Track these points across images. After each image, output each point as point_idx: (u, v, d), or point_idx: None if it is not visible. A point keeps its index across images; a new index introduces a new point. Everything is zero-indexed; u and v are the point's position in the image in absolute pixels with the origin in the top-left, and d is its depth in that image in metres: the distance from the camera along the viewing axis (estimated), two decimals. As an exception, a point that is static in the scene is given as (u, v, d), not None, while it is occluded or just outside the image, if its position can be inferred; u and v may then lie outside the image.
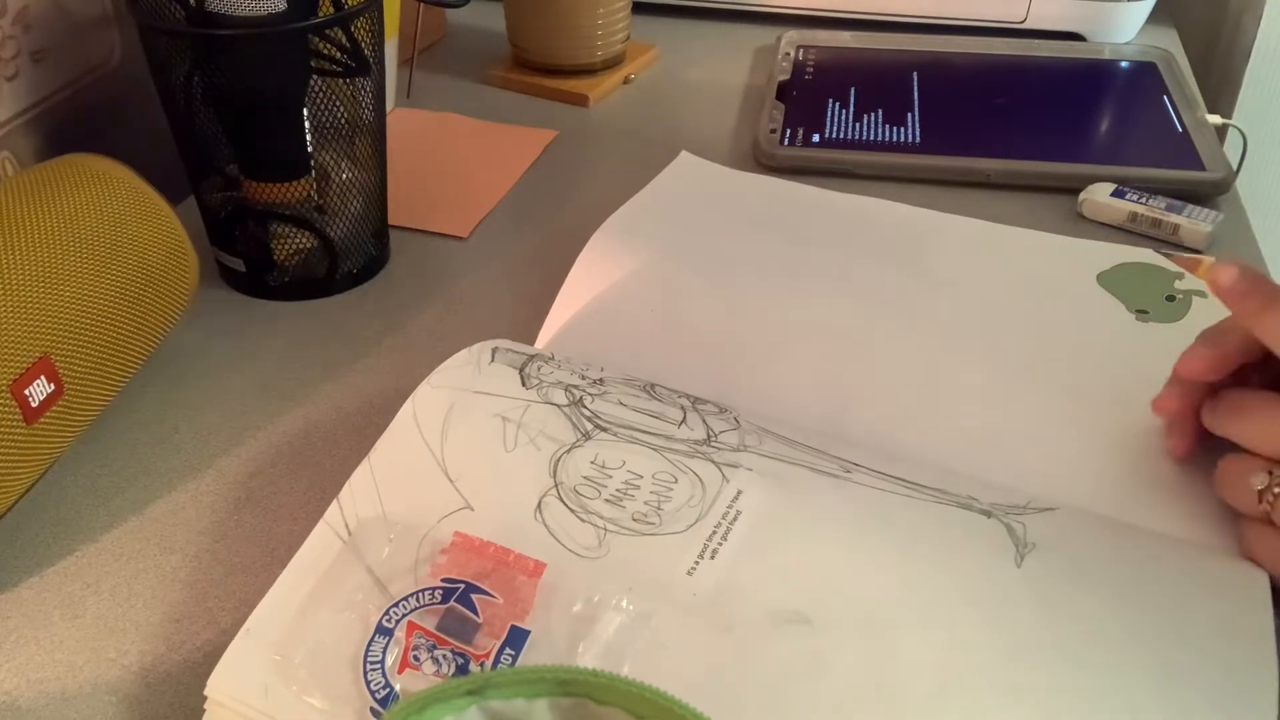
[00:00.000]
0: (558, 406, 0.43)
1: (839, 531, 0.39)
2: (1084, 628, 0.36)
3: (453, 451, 0.41)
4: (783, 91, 0.75)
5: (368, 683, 0.34)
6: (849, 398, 0.49)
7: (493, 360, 0.45)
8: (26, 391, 0.41)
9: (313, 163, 0.55)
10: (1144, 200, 0.62)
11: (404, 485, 0.40)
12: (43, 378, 0.42)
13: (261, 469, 0.47)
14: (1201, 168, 0.65)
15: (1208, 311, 0.54)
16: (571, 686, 0.29)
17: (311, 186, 0.55)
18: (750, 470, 0.41)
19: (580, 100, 0.77)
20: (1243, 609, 0.37)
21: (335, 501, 0.40)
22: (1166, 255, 0.51)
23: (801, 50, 0.82)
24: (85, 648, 0.40)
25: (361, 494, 0.40)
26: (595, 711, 0.29)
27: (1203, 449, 0.45)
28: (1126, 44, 0.83)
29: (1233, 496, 0.42)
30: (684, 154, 0.69)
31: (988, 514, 0.40)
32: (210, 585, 0.42)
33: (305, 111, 0.54)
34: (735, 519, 0.39)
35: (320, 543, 0.38)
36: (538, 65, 0.79)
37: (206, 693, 0.34)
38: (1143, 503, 0.44)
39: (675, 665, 0.34)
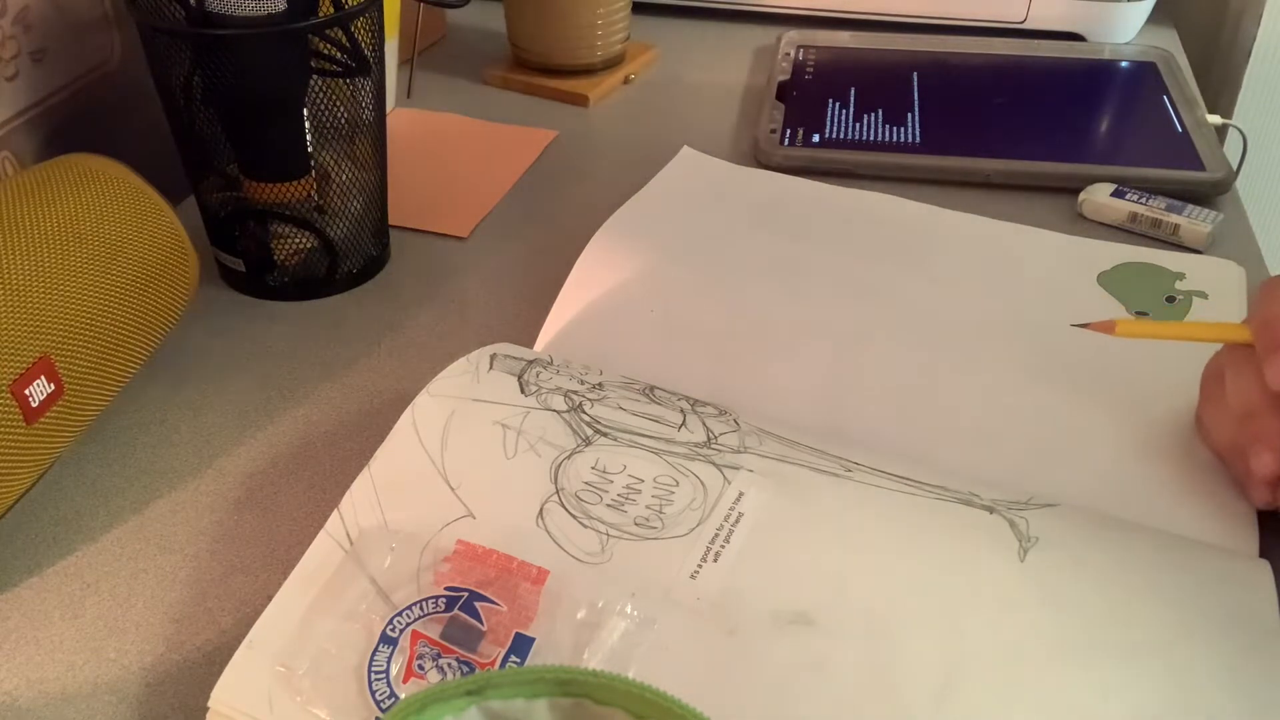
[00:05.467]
0: (557, 412, 0.43)
1: (841, 531, 0.39)
2: (1089, 622, 0.36)
3: (453, 460, 0.41)
4: (783, 91, 0.75)
5: (372, 693, 0.34)
6: (849, 397, 0.49)
7: (491, 367, 0.45)
8: (26, 391, 0.41)
9: (313, 163, 0.55)
10: (1144, 200, 0.62)
11: (405, 494, 0.40)
12: (43, 378, 0.42)
13: (261, 469, 0.47)
14: (1201, 168, 0.65)
15: (1208, 313, 0.54)
16: (571, 687, 0.29)
17: (312, 186, 0.55)
18: (751, 472, 0.41)
19: (580, 100, 0.77)
20: (1248, 602, 0.37)
21: (336, 511, 0.39)
22: (1081, 326, 0.48)
23: (801, 50, 0.82)
24: (85, 648, 0.39)
25: (362, 503, 0.40)
26: (595, 712, 0.29)
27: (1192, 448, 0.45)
28: (1126, 44, 0.83)
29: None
30: (686, 149, 0.69)
31: (990, 510, 0.40)
32: (210, 585, 0.42)
33: (305, 111, 0.54)
34: (737, 521, 0.39)
35: (322, 552, 0.38)
36: (537, 65, 0.79)
37: (210, 705, 0.34)
38: (1143, 502, 0.44)
39: (680, 669, 0.34)
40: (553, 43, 0.78)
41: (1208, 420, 0.45)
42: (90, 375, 0.45)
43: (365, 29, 0.53)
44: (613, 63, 0.80)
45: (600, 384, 0.45)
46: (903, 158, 0.67)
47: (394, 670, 0.34)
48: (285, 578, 0.38)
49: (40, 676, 0.38)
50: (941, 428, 0.47)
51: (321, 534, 0.39)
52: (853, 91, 0.75)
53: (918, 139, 0.69)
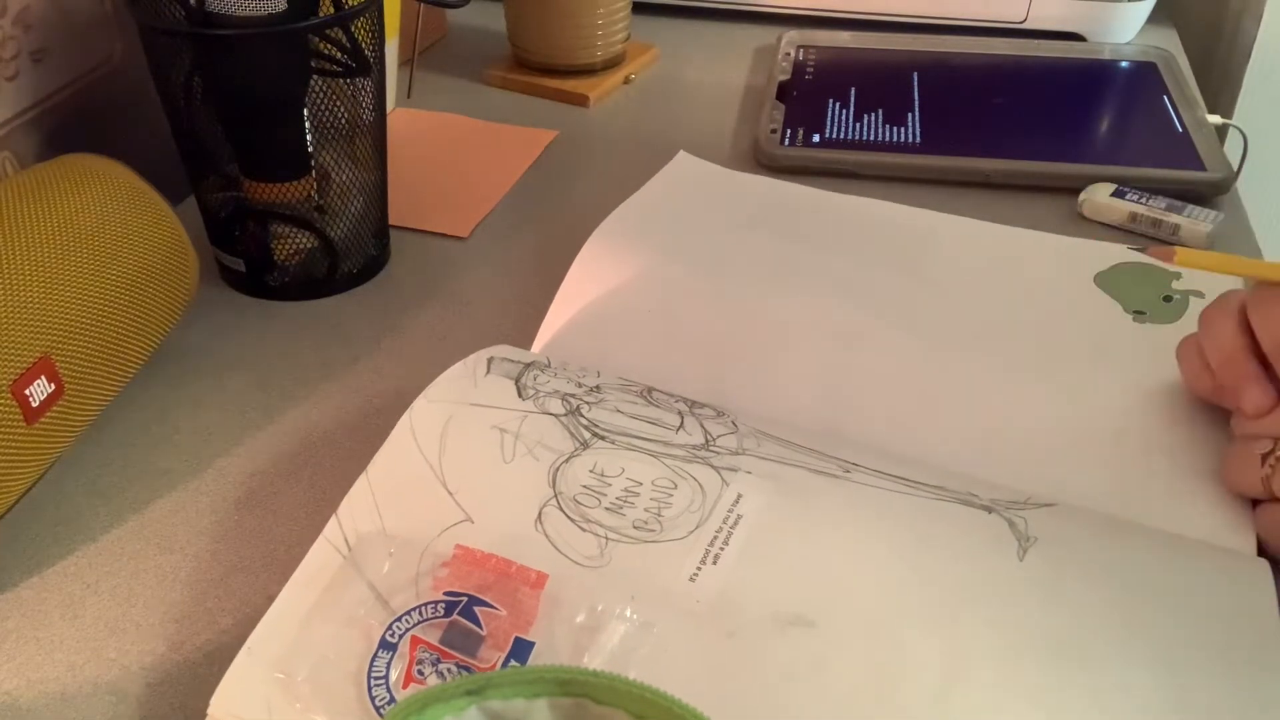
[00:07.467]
0: (555, 416, 0.43)
1: (840, 532, 0.39)
2: (1088, 621, 0.36)
3: (451, 464, 0.41)
4: (783, 91, 0.75)
5: (372, 698, 0.34)
6: (847, 399, 0.49)
7: (488, 371, 0.45)
8: (26, 391, 0.41)
9: (313, 163, 0.55)
10: (1144, 200, 0.62)
11: (403, 499, 0.40)
12: (43, 378, 0.42)
13: (261, 469, 0.47)
14: (1201, 168, 0.65)
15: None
16: (571, 687, 0.29)
17: (312, 186, 0.55)
18: (749, 473, 0.41)
19: (580, 100, 0.77)
20: (1247, 602, 0.38)
21: (334, 517, 0.39)
22: (1139, 250, 0.52)
23: (801, 50, 0.82)
24: (85, 648, 0.40)
25: (360, 509, 0.40)
26: (595, 712, 0.29)
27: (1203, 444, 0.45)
28: (1126, 44, 0.83)
29: (1239, 476, 0.43)
30: (681, 154, 0.69)
31: (988, 509, 0.40)
32: (210, 585, 0.42)
33: (305, 111, 0.54)
34: (736, 523, 0.39)
35: (320, 558, 0.38)
36: (538, 65, 0.79)
37: (209, 711, 0.34)
38: (1141, 502, 0.44)
39: (679, 672, 0.34)
40: (553, 43, 0.78)
41: (1208, 347, 0.45)
42: (90, 375, 0.45)
43: (365, 29, 0.53)
44: (613, 63, 0.80)
45: (598, 386, 0.45)
46: (903, 158, 0.67)
47: (394, 676, 0.34)
48: (285, 578, 0.38)
49: (40, 676, 0.39)
50: (939, 429, 0.47)
51: (320, 539, 0.39)
52: (853, 91, 0.75)
53: (918, 139, 0.69)
